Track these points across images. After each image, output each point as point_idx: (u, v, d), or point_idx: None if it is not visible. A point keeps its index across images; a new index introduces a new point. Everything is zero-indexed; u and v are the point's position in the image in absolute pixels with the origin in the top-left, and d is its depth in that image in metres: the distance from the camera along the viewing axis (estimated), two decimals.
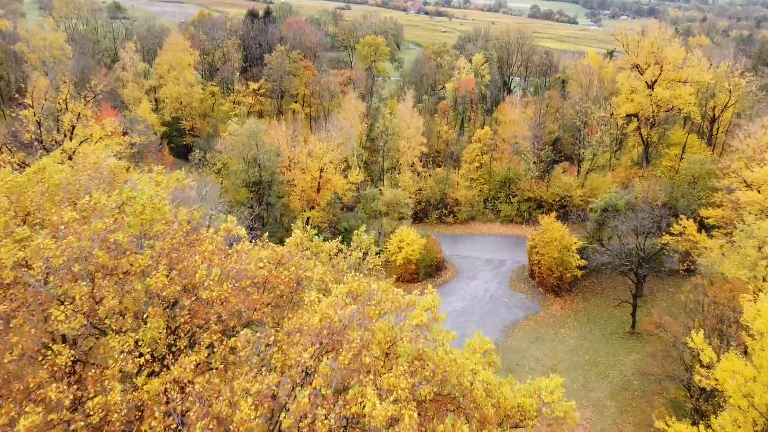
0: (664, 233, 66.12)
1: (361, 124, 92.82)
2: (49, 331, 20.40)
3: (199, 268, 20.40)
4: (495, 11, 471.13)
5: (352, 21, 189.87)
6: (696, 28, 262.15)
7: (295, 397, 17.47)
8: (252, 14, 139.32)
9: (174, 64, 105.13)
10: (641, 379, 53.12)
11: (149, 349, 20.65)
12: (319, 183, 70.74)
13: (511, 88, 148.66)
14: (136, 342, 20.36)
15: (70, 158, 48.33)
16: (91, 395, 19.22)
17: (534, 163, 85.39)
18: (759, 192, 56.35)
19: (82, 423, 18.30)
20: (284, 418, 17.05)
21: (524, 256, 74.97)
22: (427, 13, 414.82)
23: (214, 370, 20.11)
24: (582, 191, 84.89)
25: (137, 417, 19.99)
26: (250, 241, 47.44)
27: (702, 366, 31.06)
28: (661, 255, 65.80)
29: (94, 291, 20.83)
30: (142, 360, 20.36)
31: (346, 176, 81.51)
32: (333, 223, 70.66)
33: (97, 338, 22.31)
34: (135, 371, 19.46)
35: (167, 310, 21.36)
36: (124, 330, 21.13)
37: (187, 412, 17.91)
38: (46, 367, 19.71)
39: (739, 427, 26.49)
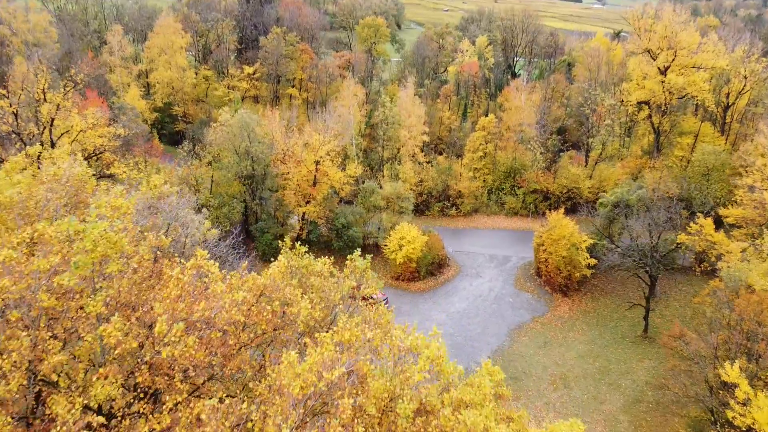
0: (678, 231, 62.88)
1: (360, 111, 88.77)
2: None
3: (158, 319, 17.01)
4: None
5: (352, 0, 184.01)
6: (703, 8, 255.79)
7: None
8: None
9: (165, 48, 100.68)
10: (655, 390, 50.17)
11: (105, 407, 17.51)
12: (315, 176, 67.14)
13: (516, 71, 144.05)
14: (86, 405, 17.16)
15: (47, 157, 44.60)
16: None
17: (541, 153, 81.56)
18: None
19: None
20: None
21: (530, 252, 71.69)
22: None
23: None
24: (590, 183, 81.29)
25: None
26: (235, 250, 43.77)
27: (736, 402, 27.83)
28: (674, 252, 62.61)
29: (38, 345, 17.55)
30: (95, 421, 17.18)
31: (344, 168, 77.91)
32: (330, 219, 67.16)
33: (42, 393, 19.07)
34: None
35: (124, 364, 18.07)
36: (74, 386, 17.93)
37: None
38: None
39: None
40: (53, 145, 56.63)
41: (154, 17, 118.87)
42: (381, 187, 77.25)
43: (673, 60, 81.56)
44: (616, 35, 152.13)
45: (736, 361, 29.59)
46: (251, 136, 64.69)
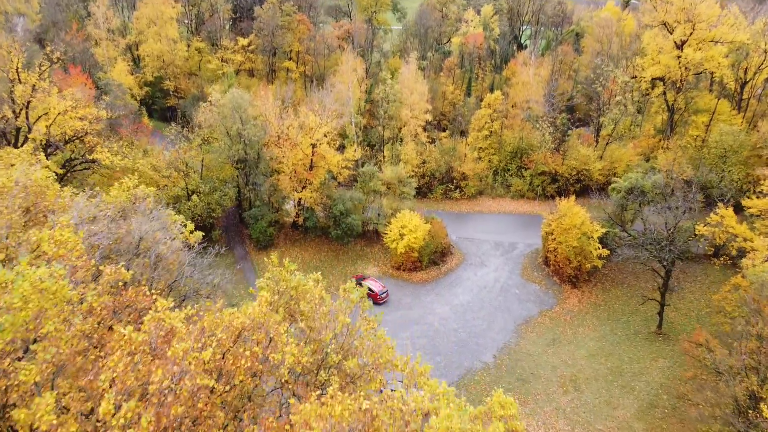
0: (696, 219, 59.42)
1: (359, 88, 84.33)
2: None
3: (104, 396, 13.69)
4: None
5: None
6: None
7: None
8: None
9: (155, 18, 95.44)
10: (670, 393, 47.38)
11: None
12: (311, 160, 63.34)
13: (522, 41, 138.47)
14: None
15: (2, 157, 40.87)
16: None
17: (549, 133, 77.43)
18: None
19: None
20: None
21: (537, 238, 68.36)
22: None
23: None
24: (601, 165, 77.35)
25: None
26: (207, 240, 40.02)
27: None
28: (690, 241, 59.26)
29: None
30: None
31: (342, 148, 74.03)
32: (327, 206, 63.56)
33: None
34: None
35: None
36: None
37: None
38: None
39: None
40: (30, 130, 52.88)
41: None
42: (381, 168, 73.58)
43: (691, 34, 76.88)
44: (626, 3, 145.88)
45: None
46: (243, 117, 60.72)
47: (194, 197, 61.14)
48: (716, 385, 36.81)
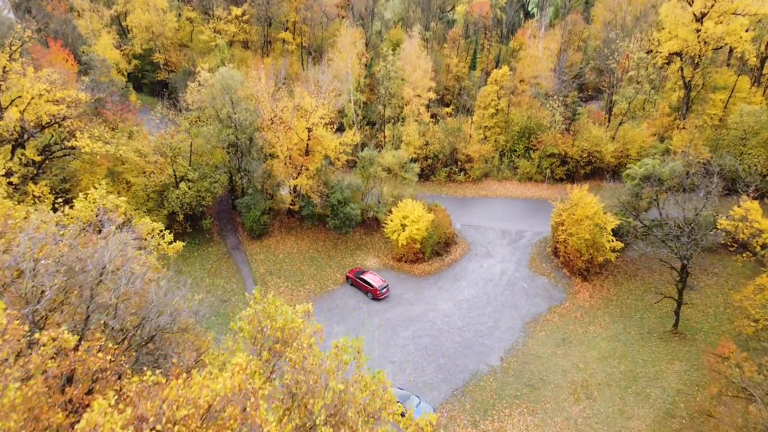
0: (715, 208, 55.91)
1: (359, 63, 79.68)
2: None
3: None
4: None
5: None
6: None
7: None
8: None
9: None
10: (688, 401, 44.61)
11: None
12: (307, 145, 59.42)
13: (529, 10, 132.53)
14: None
15: None
16: None
17: (560, 114, 73.17)
18: None
19: None
20: None
21: (546, 226, 65.00)
22: None
23: None
24: (613, 147, 73.29)
25: None
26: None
27: None
28: (709, 233, 55.79)
29: None
30: None
31: (341, 128, 70.03)
32: (324, 194, 59.86)
33: None
34: None
35: None
36: None
37: None
38: None
39: None
40: (1, 116, 48.94)
41: None
42: (382, 149, 69.73)
43: (713, 5, 71.96)
44: None
45: None
46: (234, 99, 56.63)
47: (182, 185, 57.48)
48: (745, 409, 33.85)
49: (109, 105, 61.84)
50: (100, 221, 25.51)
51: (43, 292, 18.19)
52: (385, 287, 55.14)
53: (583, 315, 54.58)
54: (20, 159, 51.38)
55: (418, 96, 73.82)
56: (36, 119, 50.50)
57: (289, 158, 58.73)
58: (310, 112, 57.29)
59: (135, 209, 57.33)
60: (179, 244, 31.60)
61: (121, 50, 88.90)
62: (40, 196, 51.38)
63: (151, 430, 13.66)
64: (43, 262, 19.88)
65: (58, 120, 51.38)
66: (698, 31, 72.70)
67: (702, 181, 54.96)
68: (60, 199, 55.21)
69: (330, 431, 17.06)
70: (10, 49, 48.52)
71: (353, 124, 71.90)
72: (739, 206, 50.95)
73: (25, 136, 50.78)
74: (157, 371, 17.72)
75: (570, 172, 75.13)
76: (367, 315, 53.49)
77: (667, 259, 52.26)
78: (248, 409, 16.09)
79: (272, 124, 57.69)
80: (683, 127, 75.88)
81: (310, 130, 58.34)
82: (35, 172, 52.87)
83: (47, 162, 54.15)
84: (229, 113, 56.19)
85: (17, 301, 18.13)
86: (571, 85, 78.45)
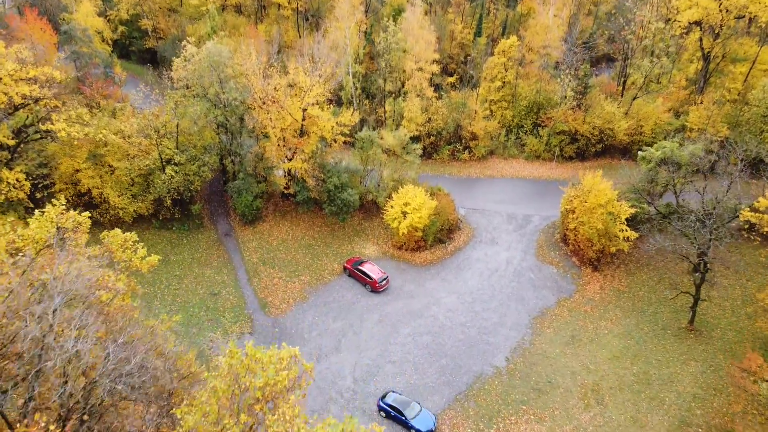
0: (739, 200, 52.47)
1: (358, 32, 74.87)
2: None
3: None
4: None
5: None
6: None
7: None
8: None
9: None
10: (704, 407, 42.11)
11: None
12: (302, 125, 55.56)
13: None
14: None
15: None
16: None
17: (571, 90, 68.83)
18: None
19: None
20: None
21: (554, 209, 61.69)
22: None
23: None
24: (627, 124, 69.20)
25: None
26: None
27: None
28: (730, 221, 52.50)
29: None
30: None
31: (339, 101, 65.81)
32: (320, 178, 56.25)
33: None
34: None
35: None
36: None
37: None
38: None
39: None
40: None
41: None
42: (381, 129, 65.77)
43: None
44: None
45: None
46: (222, 77, 52.55)
47: (169, 168, 53.94)
48: None
49: (89, 80, 57.75)
50: (61, 239, 22.20)
51: None
52: (384, 279, 52.17)
53: (593, 309, 51.75)
54: None
55: (421, 69, 69.37)
56: (7, 100, 46.65)
57: (283, 140, 55.01)
58: (305, 91, 53.26)
59: (119, 195, 54.01)
60: (154, 258, 28.34)
61: (105, 17, 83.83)
62: (15, 183, 48.03)
63: None
64: None
65: (30, 102, 47.53)
66: None
67: (724, 169, 51.45)
68: (40, 185, 52.01)
69: None
70: None
71: (352, 99, 67.68)
72: (764, 196, 47.64)
73: None
74: None
75: (580, 150, 71.29)
76: (366, 309, 50.67)
77: (686, 253, 48.97)
78: None
79: (264, 104, 53.69)
80: (701, 102, 71.68)
81: (305, 110, 54.37)
82: (9, 157, 49.33)
83: (22, 146, 50.49)
84: (218, 92, 52.19)
85: None
86: (582, 56, 73.86)
